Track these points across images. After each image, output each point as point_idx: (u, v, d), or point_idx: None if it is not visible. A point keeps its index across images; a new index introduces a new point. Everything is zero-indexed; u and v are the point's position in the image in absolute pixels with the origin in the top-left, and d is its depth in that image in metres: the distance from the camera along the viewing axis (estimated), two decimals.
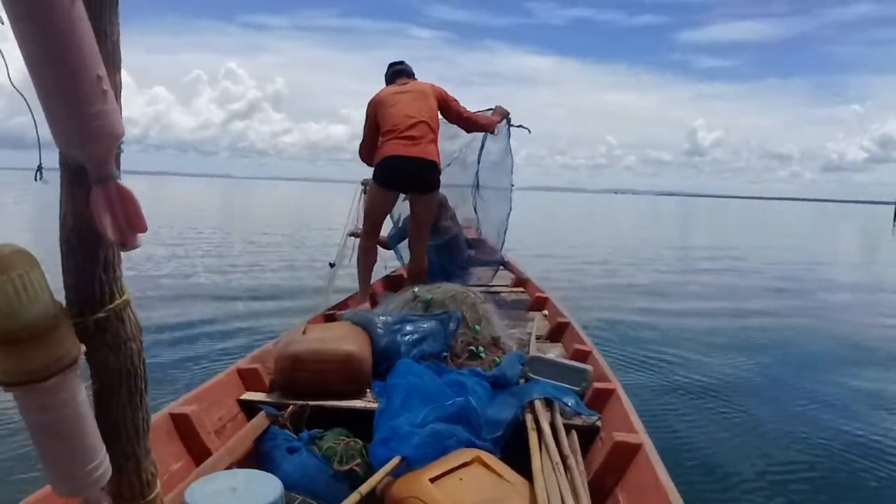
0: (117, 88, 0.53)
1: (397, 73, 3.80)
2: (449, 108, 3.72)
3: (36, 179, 0.55)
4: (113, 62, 0.52)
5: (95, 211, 0.52)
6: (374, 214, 3.64)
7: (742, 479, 2.98)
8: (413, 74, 3.84)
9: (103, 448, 0.57)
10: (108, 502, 0.60)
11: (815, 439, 3.50)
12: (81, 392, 0.55)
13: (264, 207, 34.47)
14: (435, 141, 3.51)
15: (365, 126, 3.68)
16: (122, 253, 0.57)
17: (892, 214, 43.00)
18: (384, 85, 3.79)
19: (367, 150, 3.67)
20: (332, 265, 3.38)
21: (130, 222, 0.54)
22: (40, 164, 0.53)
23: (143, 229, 0.55)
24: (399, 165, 3.41)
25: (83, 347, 0.55)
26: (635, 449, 1.82)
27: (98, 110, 0.49)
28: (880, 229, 33.29)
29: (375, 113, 3.60)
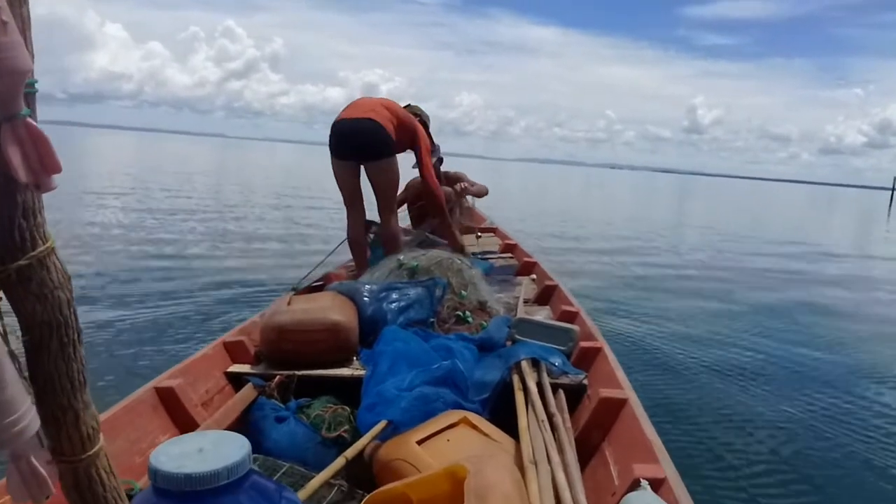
0: (24, 21, 0.50)
1: None
2: (412, 133, 3.50)
3: None
4: None
5: (5, 152, 0.50)
6: (341, 189, 3.51)
7: (727, 432, 3.07)
8: None
9: (27, 401, 0.55)
10: (43, 456, 0.58)
11: (799, 398, 3.62)
12: None
13: (259, 170, 34.07)
14: (391, 118, 3.34)
15: None
16: (42, 198, 0.55)
17: (889, 200, 43.14)
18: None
19: None
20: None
21: (43, 163, 0.52)
22: None
23: (58, 170, 0.53)
24: (342, 128, 3.30)
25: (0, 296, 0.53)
26: (621, 404, 1.82)
27: None
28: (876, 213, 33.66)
29: None
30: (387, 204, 3.51)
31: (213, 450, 0.95)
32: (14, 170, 0.50)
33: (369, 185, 3.49)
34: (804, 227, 20.65)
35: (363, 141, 3.29)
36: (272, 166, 40.19)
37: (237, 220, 10.72)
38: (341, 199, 3.56)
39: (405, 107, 3.73)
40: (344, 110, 3.42)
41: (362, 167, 3.42)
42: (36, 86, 0.52)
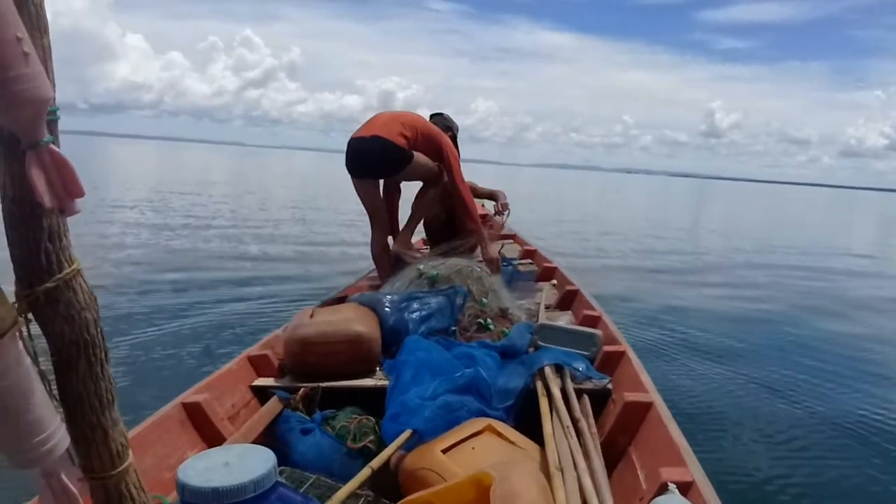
0: (45, 51, 0.52)
1: None
2: (436, 145, 3.44)
3: None
4: (38, 24, 0.52)
5: (30, 178, 0.52)
6: (365, 206, 3.52)
7: (756, 438, 3.02)
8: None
9: (56, 420, 0.57)
10: (74, 473, 0.60)
11: (830, 405, 3.55)
12: (22, 365, 0.54)
13: (278, 178, 34.29)
14: (404, 132, 3.31)
15: None
16: (67, 221, 0.57)
17: None
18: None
19: None
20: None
21: (67, 188, 0.53)
22: None
23: (81, 194, 0.54)
24: (353, 148, 3.32)
25: (23, 320, 0.54)
26: (646, 408, 1.80)
27: (19, 74, 0.48)
28: None
29: None
30: (394, 218, 3.59)
31: (238, 463, 0.96)
32: (39, 195, 0.51)
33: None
34: (832, 232, 20.26)
35: (374, 159, 3.31)
36: (291, 174, 40.47)
37: (257, 230, 10.82)
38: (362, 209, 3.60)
39: (432, 117, 3.72)
40: (358, 129, 3.44)
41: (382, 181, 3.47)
42: (58, 113, 0.54)
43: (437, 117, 3.79)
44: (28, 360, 0.54)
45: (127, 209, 12.66)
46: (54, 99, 0.52)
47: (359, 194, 3.46)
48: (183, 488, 0.90)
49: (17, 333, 0.53)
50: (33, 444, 0.55)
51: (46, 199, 0.52)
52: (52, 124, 0.53)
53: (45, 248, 0.55)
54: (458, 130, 3.87)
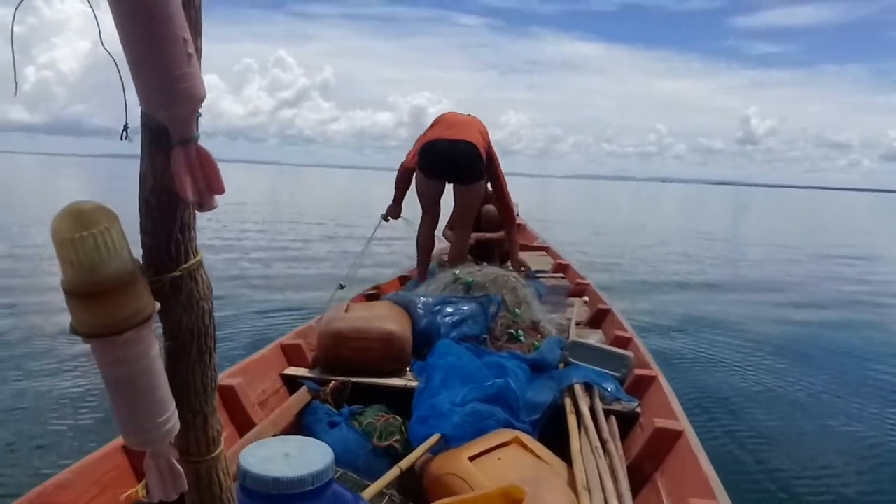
0: (199, 52, 0.54)
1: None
2: (490, 153, 3.55)
3: (122, 139, 0.58)
4: (195, 27, 0.54)
5: (176, 172, 0.54)
6: (423, 203, 3.57)
7: (788, 471, 2.91)
8: None
9: (173, 403, 0.59)
10: (174, 455, 0.62)
11: (870, 442, 3.35)
12: (155, 348, 0.57)
13: (315, 196, 34.56)
14: (482, 140, 3.38)
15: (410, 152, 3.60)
16: (196, 214, 0.59)
17: None
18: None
19: (407, 162, 3.58)
20: (341, 287, 3.19)
21: (209, 184, 0.55)
22: (126, 123, 0.55)
23: (222, 190, 0.56)
24: (438, 148, 3.32)
25: (158, 305, 0.57)
26: (676, 436, 1.80)
27: (183, 73, 0.51)
28: None
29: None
30: (466, 221, 3.62)
31: (298, 455, 0.98)
32: (183, 190, 0.54)
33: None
34: (881, 238, 19.40)
35: (461, 164, 3.33)
36: (327, 192, 40.68)
37: (293, 243, 10.98)
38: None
39: None
40: (437, 127, 3.43)
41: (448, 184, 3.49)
42: (201, 112, 0.56)
43: None
44: (157, 345, 0.56)
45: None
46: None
47: (422, 188, 3.49)
48: (245, 475, 0.93)
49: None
50: (157, 423, 0.57)
51: (190, 194, 0.54)
52: (196, 121, 0.55)
53: (175, 239, 0.57)
54: None
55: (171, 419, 0.58)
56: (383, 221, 3.74)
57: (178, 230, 0.57)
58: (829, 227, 24.26)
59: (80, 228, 0.50)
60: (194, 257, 0.59)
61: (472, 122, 3.42)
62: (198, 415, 0.62)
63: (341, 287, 3.16)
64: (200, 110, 0.56)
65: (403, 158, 3.66)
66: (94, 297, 0.51)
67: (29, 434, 2.83)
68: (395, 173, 3.65)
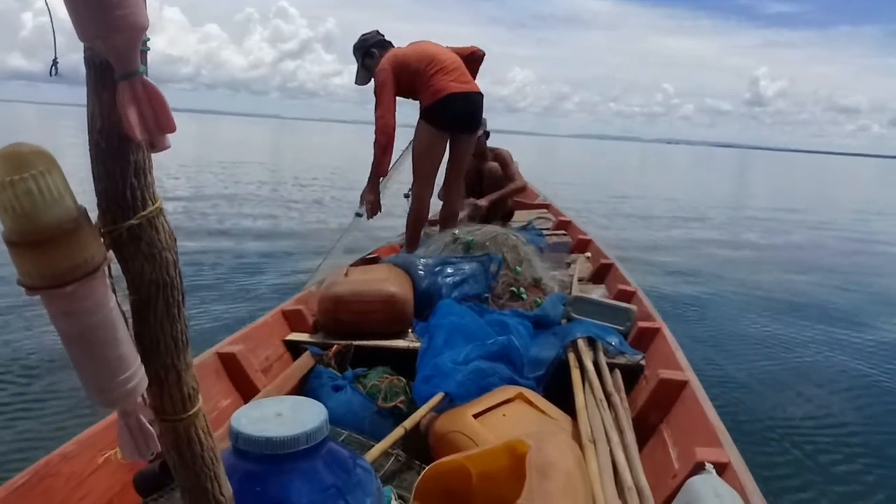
0: None
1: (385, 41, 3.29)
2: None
3: (51, 74, 0.54)
4: None
5: (121, 109, 0.50)
6: (426, 166, 3.15)
7: (793, 418, 2.93)
8: None
9: (137, 359, 0.56)
10: (147, 414, 0.59)
11: (881, 385, 3.39)
12: (110, 302, 0.53)
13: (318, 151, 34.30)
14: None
15: (383, 91, 3.02)
16: (152, 158, 0.55)
17: None
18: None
19: (392, 113, 3.05)
20: (358, 215, 3.03)
21: (158, 122, 0.52)
22: (55, 58, 0.51)
23: (172, 129, 0.52)
24: (464, 104, 3.04)
25: (110, 255, 0.53)
26: (681, 386, 1.78)
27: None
28: None
29: (402, 64, 3.04)
30: (461, 173, 3.41)
31: (291, 415, 0.96)
32: (130, 128, 0.50)
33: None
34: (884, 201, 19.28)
35: (475, 115, 3.16)
36: (330, 146, 40.38)
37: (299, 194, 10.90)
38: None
39: None
40: (443, 74, 3.04)
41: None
42: (148, 44, 0.52)
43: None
44: (114, 298, 0.53)
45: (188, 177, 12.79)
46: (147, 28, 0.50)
47: (432, 150, 3.14)
48: (237, 436, 0.91)
49: (105, 270, 0.52)
50: (118, 381, 0.54)
51: (137, 132, 0.50)
52: (144, 55, 0.51)
53: (130, 184, 0.54)
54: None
55: (136, 376, 0.55)
56: (360, 220, 3.29)
57: (133, 174, 0.53)
58: (836, 191, 24.08)
59: (14, 172, 0.47)
60: (153, 204, 0.55)
61: (461, 63, 3.17)
62: (170, 371, 0.59)
63: (358, 216, 3.12)
64: (148, 43, 0.52)
65: (410, 110, 3.22)
66: (35, 245, 0.48)
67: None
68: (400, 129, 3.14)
